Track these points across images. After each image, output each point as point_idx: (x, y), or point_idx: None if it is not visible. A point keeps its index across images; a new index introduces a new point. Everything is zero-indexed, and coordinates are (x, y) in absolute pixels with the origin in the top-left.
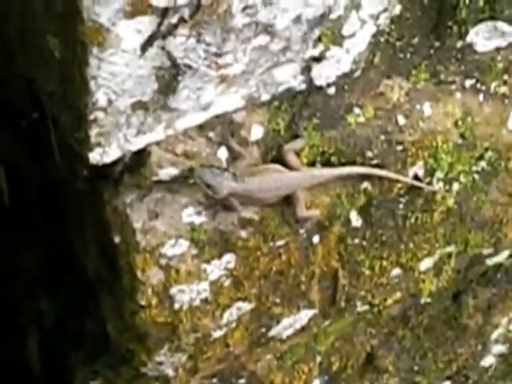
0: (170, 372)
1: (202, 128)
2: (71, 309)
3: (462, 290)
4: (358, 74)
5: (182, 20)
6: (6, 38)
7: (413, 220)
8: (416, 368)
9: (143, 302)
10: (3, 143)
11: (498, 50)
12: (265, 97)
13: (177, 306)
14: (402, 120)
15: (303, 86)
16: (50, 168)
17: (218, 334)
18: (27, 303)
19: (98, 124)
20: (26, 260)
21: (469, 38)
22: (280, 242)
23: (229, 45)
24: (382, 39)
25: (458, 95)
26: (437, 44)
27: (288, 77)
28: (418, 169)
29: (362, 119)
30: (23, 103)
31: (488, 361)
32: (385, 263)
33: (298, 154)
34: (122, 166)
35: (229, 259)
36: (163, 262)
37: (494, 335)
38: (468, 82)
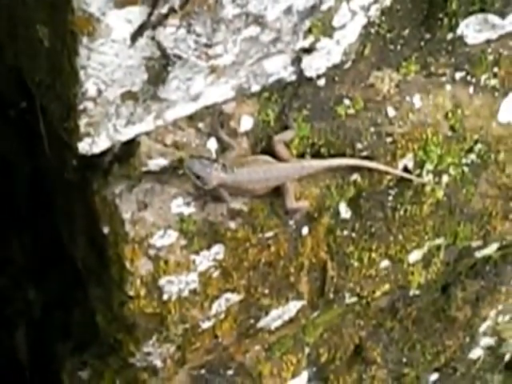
0: (158, 363)
1: (191, 119)
2: (59, 299)
3: (451, 282)
4: (348, 65)
5: (172, 10)
6: None
7: (402, 212)
8: (404, 360)
9: (132, 293)
10: None
11: (488, 42)
12: (255, 88)
13: (165, 296)
14: (391, 112)
15: (293, 77)
16: (38, 158)
17: (206, 324)
18: (15, 294)
19: (87, 114)
20: (13, 251)
21: (459, 31)
22: (269, 234)
23: (219, 35)
24: (373, 31)
25: (448, 87)
26: (427, 36)
27: (278, 68)
28: (408, 161)
29: (351, 111)
30: (11, 92)
31: (476, 353)
32: (374, 255)
33: (287, 145)
34: (111, 156)
35: (218, 250)
36: (152, 252)
37: (482, 328)
38: (458, 75)
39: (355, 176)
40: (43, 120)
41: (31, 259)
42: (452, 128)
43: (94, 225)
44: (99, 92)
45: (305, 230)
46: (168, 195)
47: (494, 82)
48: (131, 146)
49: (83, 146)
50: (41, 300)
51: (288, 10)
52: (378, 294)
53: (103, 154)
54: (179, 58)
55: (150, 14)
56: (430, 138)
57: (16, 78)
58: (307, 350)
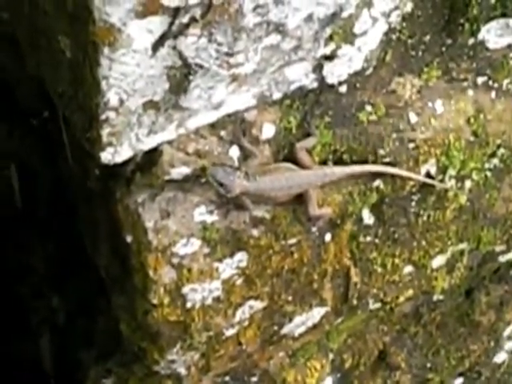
0: (183, 370)
1: (213, 127)
2: (82, 307)
3: (475, 286)
4: (369, 71)
5: (193, 20)
6: (16, 38)
7: (425, 217)
8: (428, 365)
9: (155, 301)
10: (14, 142)
11: (509, 47)
12: (276, 95)
13: (189, 304)
14: (413, 118)
15: (315, 85)
16: (60, 166)
17: (230, 332)
18: (38, 301)
19: (109, 124)
20: (36, 258)
21: (481, 36)
22: (292, 241)
23: (240, 44)
24: (394, 37)
25: (470, 92)
26: (448, 41)
27: (300, 75)
28: (430, 166)
29: (373, 117)
30: (33, 102)
31: (501, 357)
32: (397, 261)
33: (309, 152)
34: (133, 165)
35: (241, 258)
36: (175, 260)
37: (507, 332)
38: (480, 80)
39: (378, 182)
40: (65, 129)
41: (54, 267)
42: (474, 133)
43: (117, 233)
44: (121, 102)
45: (328, 237)
46: (191, 203)
47: None
48: (153, 154)
49: (106, 156)
50: (64, 308)
51: (309, 18)
52: (401, 299)
53: (125, 163)
54: (201, 67)
55: (171, 24)
56: (453, 144)
57: (38, 88)
58: (331, 355)
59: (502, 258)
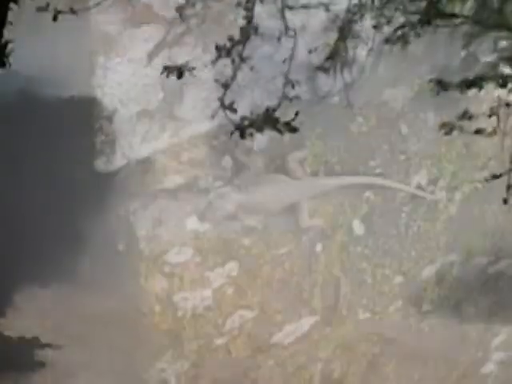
0: (172, 379)
1: (206, 136)
2: None
3: (463, 297)
4: (362, 83)
5: (188, 29)
6: None
7: (415, 228)
8: (417, 376)
9: (146, 309)
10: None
11: (500, 59)
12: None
13: (180, 313)
14: (405, 129)
15: (307, 96)
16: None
17: (220, 341)
18: None
19: (103, 132)
20: None
21: (472, 48)
22: (283, 250)
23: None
24: (387, 49)
25: (463, 105)
26: (441, 53)
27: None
28: (421, 178)
29: (365, 128)
30: None
31: (488, 368)
32: (387, 271)
33: (301, 163)
34: (126, 173)
35: (232, 267)
36: (167, 269)
37: (495, 342)
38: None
39: (368, 193)
40: None
41: None
42: (465, 145)
43: (109, 241)
44: (115, 110)
45: (318, 247)
46: (183, 212)
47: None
48: (146, 163)
49: (99, 164)
50: None
51: (303, 28)
52: (391, 309)
53: (118, 171)
54: (195, 77)
55: (167, 34)
56: (444, 155)
57: None
58: (320, 365)
59: (491, 269)
